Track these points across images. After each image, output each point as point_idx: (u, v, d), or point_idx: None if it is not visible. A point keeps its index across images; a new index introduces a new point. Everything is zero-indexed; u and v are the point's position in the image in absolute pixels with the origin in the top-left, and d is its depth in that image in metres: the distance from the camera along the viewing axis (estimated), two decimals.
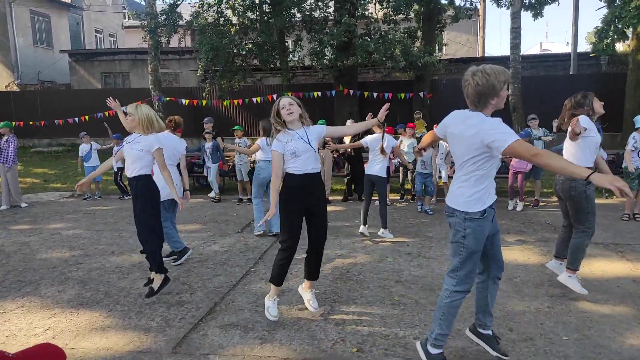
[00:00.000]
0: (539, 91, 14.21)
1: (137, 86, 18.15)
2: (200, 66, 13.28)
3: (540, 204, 8.36)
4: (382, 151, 6.08)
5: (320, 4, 13.45)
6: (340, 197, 9.22)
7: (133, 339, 3.58)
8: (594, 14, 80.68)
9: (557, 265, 4.43)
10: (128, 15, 26.39)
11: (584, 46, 39.30)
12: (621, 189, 2.24)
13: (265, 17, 13.19)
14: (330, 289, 4.44)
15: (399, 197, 9.07)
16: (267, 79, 16.90)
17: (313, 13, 13.44)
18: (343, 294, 4.34)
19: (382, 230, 6.12)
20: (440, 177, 8.60)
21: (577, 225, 4.15)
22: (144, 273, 4.93)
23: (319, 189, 3.82)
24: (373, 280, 4.69)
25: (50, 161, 14.75)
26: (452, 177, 7.14)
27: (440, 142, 8.56)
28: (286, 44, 14.41)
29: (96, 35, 26.07)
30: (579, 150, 4.09)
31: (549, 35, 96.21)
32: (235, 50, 13.74)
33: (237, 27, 13.67)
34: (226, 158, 10.29)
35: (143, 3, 14.38)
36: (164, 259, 5.02)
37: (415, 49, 12.69)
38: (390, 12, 13.05)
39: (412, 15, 13.97)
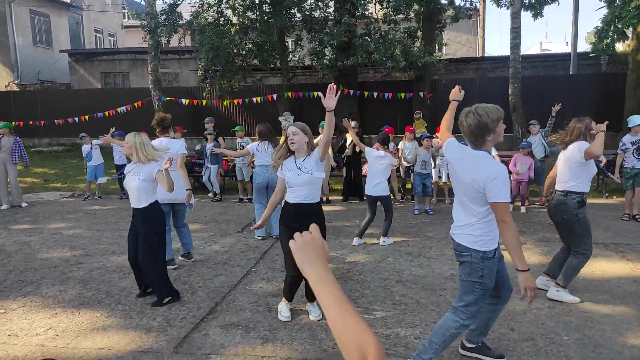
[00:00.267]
0: (539, 91, 14.20)
1: (137, 86, 18.12)
2: (200, 66, 13.25)
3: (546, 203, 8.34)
4: (396, 167, 6.03)
5: (320, 4, 13.43)
6: (341, 197, 9.23)
7: (134, 338, 3.58)
8: (593, 14, 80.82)
9: (544, 282, 4.36)
10: (128, 15, 26.37)
11: (584, 46, 39.31)
12: (524, 294, 2.59)
13: (265, 17, 13.17)
14: None
15: (399, 198, 9.06)
16: (267, 79, 16.89)
17: (313, 13, 13.42)
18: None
19: (382, 239, 6.03)
20: (440, 177, 8.61)
21: (575, 247, 4.12)
22: None
23: (315, 219, 3.61)
24: (374, 280, 4.70)
25: (50, 161, 14.75)
26: None
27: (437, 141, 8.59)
28: (286, 43, 14.40)
29: (96, 35, 26.04)
30: (584, 173, 4.06)
31: (548, 35, 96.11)
32: (235, 50, 13.72)
33: (237, 27, 13.65)
34: (225, 158, 10.28)
35: (143, 3, 14.38)
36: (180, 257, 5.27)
37: (415, 48, 12.68)
38: (390, 12, 13.03)
39: (412, 15, 13.95)
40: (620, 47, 14.42)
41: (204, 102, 14.60)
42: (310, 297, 3.88)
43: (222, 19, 13.50)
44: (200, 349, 3.41)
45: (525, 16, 14.38)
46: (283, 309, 3.90)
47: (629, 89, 12.25)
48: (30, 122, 15.44)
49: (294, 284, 3.83)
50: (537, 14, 12.98)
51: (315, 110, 14.60)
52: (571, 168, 4.07)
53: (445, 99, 13.24)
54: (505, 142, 11.30)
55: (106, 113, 14.41)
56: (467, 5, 13.69)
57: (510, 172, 7.89)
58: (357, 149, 8.93)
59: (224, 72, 13.59)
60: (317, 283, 1.06)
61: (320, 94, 13.11)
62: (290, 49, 14.97)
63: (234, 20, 13.76)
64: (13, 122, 12.78)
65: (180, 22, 13.42)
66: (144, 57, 16.90)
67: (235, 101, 14.55)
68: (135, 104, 14.51)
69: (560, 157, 4.25)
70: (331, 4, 13.29)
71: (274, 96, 14.20)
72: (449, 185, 8.52)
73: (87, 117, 14.58)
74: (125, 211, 8.23)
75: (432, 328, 3.61)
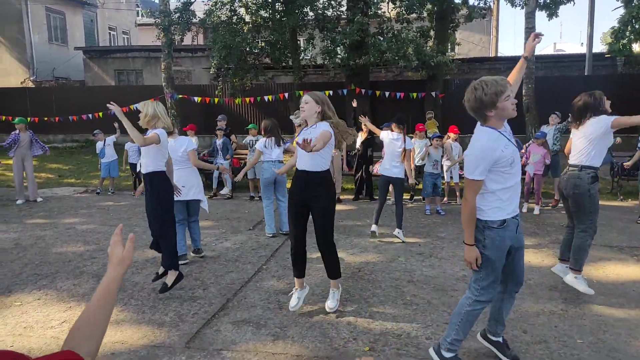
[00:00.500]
0: (554, 92, 14.06)
1: (150, 83, 18.28)
2: (213, 64, 13.33)
3: (559, 205, 8.28)
4: (403, 156, 6.01)
5: (333, 2, 13.43)
6: (352, 197, 9.22)
7: (147, 333, 3.62)
8: (609, 14, 79.67)
9: (563, 269, 4.37)
10: (141, 13, 26.60)
11: (599, 47, 38.79)
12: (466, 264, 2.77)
13: (278, 16, 13.21)
14: (342, 287, 4.44)
15: (408, 198, 9.03)
16: (279, 78, 16.93)
17: (326, 12, 13.43)
18: (355, 293, 4.35)
19: (397, 230, 6.05)
20: (451, 178, 8.57)
21: (578, 224, 4.12)
22: (158, 268, 4.97)
23: (317, 186, 3.70)
24: (385, 280, 4.69)
25: (64, 157, 14.94)
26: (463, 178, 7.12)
27: (453, 143, 8.56)
28: (298, 42, 14.42)
29: (110, 33, 26.31)
30: (600, 148, 4.01)
31: (562, 36, 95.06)
32: (247, 49, 13.78)
33: (250, 25, 13.71)
34: (237, 156, 10.33)
35: (157, 1, 14.49)
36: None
37: (428, 48, 12.62)
38: (403, 11, 12.99)
39: (425, 14, 13.90)
40: (637, 47, 14.21)
41: (216, 100, 14.68)
42: (329, 274, 3.91)
43: (235, 17, 13.57)
44: (212, 344, 3.43)
45: (540, 16, 14.20)
46: (292, 298, 3.94)
47: None
48: (45, 119, 15.65)
49: (294, 255, 3.90)
50: (552, 14, 12.85)
51: None
52: (588, 143, 4.01)
53: (457, 98, 13.19)
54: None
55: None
56: (481, 4, 13.59)
57: (524, 169, 7.81)
58: (369, 152, 8.95)
59: (236, 70, 13.66)
60: (109, 282, 1.33)
61: (331, 92, 13.06)
62: (302, 48, 14.99)
63: (247, 18, 13.82)
64: (28, 118, 12.95)
65: (194, 20, 13.51)
66: (157, 55, 17.04)
67: (247, 99, 14.61)
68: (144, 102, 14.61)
69: (576, 132, 4.18)
70: (344, 2, 13.29)
71: (286, 95, 14.23)
72: (461, 186, 8.48)
73: (100, 113, 14.72)
74: (138, 207, 8.31)
75: (444, 329, 3.61)
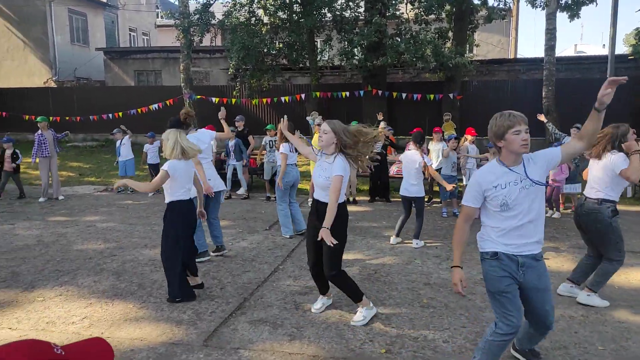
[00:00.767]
0: (574, 94, 13.81)
1: (168, 84, 18.50)
2: (231, 65, 13.44)
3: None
4: (424, 171, 6.03)
5: (351, 3, 13.44)
6: (367, 198, 9.21)
7: (165, 330, 3.67)
8: (632, 15, 77.94)
9: (569, 289, 4.26)
10: (161, 15, 26.95)
11: (622, 48, 38.02)
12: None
13: (296, 17, 13.26)
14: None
15: (426, 200, 8.96)
16: (296, 79, 16.99)
17: (344, 13, 13.44)
18: (371, 295, 4.34)
19: (415, 241, 5.98)
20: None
21: (606, 254, 4.02)
22: None
23: (323, 214, 3.63)
24: (401, 282, 4.68)
25: (85, 156, 15.22)
26: None
27: (471, 145, 8.49)
28: (315, 43, 14.46)
29: (130, 34, 26.70)
30: (618, 182, 3.94)
31: (583, 37, 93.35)
32: (265, 50, 13.87)
33: (268, 26, 13.80)
34: (254, 156, 10.39)
35: (176, 3, 14.68)
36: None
37: (446, 49, 12.54)
38: (422, 13, 12.93)
39: (443, 15, 13.81)
40: None
41: (234, 100, 14.80)
42: (355, 298, 3.81)
43: (254, 18, 13.67)
44: (229, 343, 3.46)
45: (561, 17, 13.99)
46: (317, 300, 4.03)
47: None
48: (67, 118, 15.97)
49: (313, 276, 3.97)
50: (573, 15, 12.65)
51: (343, 111, 14.61)
52: (608, 177, 3.93)
53: (475, 100, 13.19)
54: (537, 145, 11.07)
55: (139, 110, 14.79)
56: (501, 5, 13.45)
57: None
58: (387, 151, 8.93)
59: (253, 71, 13.75)
60: None
61: (348, 94, 13.07)
62: (319, 49, 15.02)
63: (265, 19, 13.91)
64: (50, 118, 13.23)
65: (213, 21, 13.64)
66: (176, 56, 17.25)
67: (264, 100, 14.70)
68: (167, 102, 14.83)
69: (593, 164, 4.10)
70: (362, 4, 13.28)
71: (302, 96, 14.27)
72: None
73: (120, 113, 14.99)
74: (157, 206, 8.43)
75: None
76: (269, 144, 9.12)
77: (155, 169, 9.96)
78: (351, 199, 8.67)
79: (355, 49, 12.83)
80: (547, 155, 2.71)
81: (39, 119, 9.28)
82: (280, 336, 3.56)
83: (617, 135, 3.96)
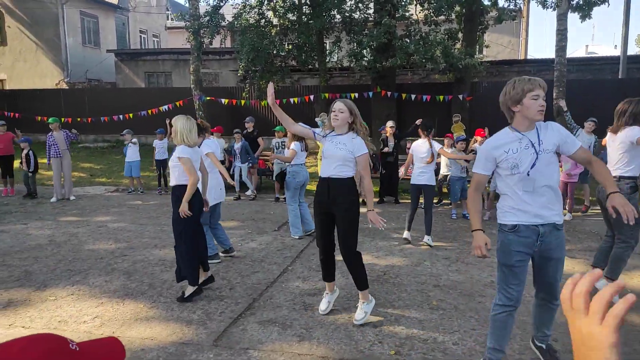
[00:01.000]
0: (586, 95, 13.71)
1: (178, 85, 18.64)
2: (240, 66, 13.51)
3: (589, 211, 8.08)
4: (432, 158, 5.99)
5: (360, 5, 13.44)
6: (376, 199, 9.19)
7: (176, 330, 3.69)
8: None
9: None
10: (171, 17, 27.16)
11: (634, 49, 37.60)
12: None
13: (305, 19, 13.29)
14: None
15: (436, 202, 8.93)
16: (305, 80, 17.02)
17: (353, 14, 13.45)
18: (380, 296, 4.34)
19: (426, 237, 5.97)
20: None
21: (619, 235, 4.04)
22: None
23: (341, 195, 3.67)
24: (411, 284, 4.66)
25: (96, 156, 15.37)
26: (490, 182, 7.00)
27: (478, 146, 8.43)
28: (324, 44, 14.48)
29: (141, 36, 26.94)
30: (635, 157, 3.92)
31: (595, 38, 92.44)
32: (274, 51, 13.92)
33: (278, 28, 13.84)
34: (263, 157, 10.43)
35: (187, 5, 14.78)
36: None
37: (456, 50, 12.49)
38: (432, 14, 12.89)
39: (453, 16, 13.76)
40: None
41: (243, 102, 14.86)
42: (357, 285, 3.82)
43: (263, 20, 13.72)
44: (239, 343, 3.48)
45: (572, 18, 13.88)
46: (322, 301, 3.99)
47: None
48: (78, 119, 16.15)
49: (323, 261, 3.91)
50: (585, 15, 12.53)
51: None
52: (623, 153, 3.94)
53: (485, 101, 13.12)
54: None
55: (149, 111, 14.91)
56: (511, 6, 13.37)
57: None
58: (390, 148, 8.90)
59: (263, 73, 13.80)
60: None
61: (357, 95, 13.04)
62: (328, 50, 15.03)
63: (275, 21, 13.95)
64: (62, 119, 13.38)
65: (223, 23, 13.71)
66: (186, 58, 17.37)
67: None
68: (177, 103, 14.93)
69: (610, 142, 4.09)
70: (371, 5, 13.27)
71: (311, 97, 14.29)
72: (487, 190, 8.35)
73: (131, 115, 15.11)
74: (166, 206, 8.48)
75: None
76: (276, 146, 9.15)
77: (162, 164, 10.03)
78: (361, 199, 8.65)
79: (365, 50, 12.83)
80: (565, 136, 2.68)
81: (50, 120, 9.40)
82: (289, 337, 3.57)
83: (635, 111, 3.93)
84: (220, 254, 5.50)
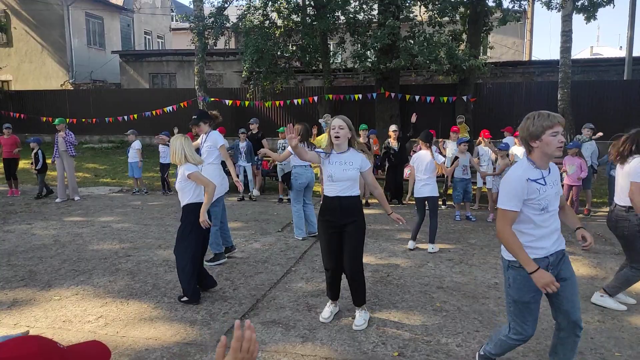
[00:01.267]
0: (590, 97, 13.67)
1: (182, 86, 18.69)
2: (244, 68, 13.52)
3: (591, 214, 8.05)
4: (439, 169, 5.95)
5: (364, 6, 13.44)
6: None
7: (179, 330, 3.71)
8: None
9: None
10: (176, 18, 27.25)
11: (639, 50, 37.40)
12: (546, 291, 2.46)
13: (309, 20, 13.31)
14: (370, 291, 4.43)
15: (440, 203, 8.92)
16: (309, 81, 17.03)
17: (357, 16, 13.45)
18: (384, 298, 4.33)
19: (430, 246, 5.91)
20: (484, 184, 8.42)
21: (631, 262, 4.00)
22: None
23: (354, 213, 3.69)
24: (414, 285, 4.66)
25: (101, 157, 15.43)
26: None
27: (484, 147, 8.43)
28: (328, 46, 14.48)
29: (145, 37, 27.03)
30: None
31: (600, 39, 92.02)
32: (279, 53, 13.93)
33: (282, 29, 13.86)
34: (267, 158, 10.44)
35: (191, 6, 14.82)
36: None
37: (460, 52, 12.46)
38: (436, 15, 12.88)
39: (457, 17, 13.73)
40: None
41: (247, 103, 14.89)
42: (357, 302, 3.82)
43: (268, 21, 13.74)
44: None
45: (577, 19, 13.83)
46: (325, 309, 3.94)
47: None
48: (83, 120, 16.22)
49: (333, 278, 3.84)
50: (590, 16, 12.49)
51: (356, 113, 14.60)
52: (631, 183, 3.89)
53: (489, 103, 13.10)
54: None
55: (153, 112, 14.96)
56: (516, 7, 13.34)
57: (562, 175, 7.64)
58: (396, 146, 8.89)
59: (267, 74, 13.81)
60: None
61: (360, 96, 13.02)
62: (332, 52, 15.04)
63: (279, 22, 13.97)
64: (67, 119, 13.44)
65: (227, 24, 13.74)
66: (190, 59, 17.42)
67: (277, 102, 14.76)
68: (181, 104, 14.98)
69: (619, 171, 4.06)
70: (375, 6, 13.26)
71: (315, 98, 14.30)
72: (483, 190, 8.35)
73: (135, 115, 15.17)
74: (171, 207, 8.51)
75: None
76: (281, 147, 9.16)
77: (164, 168, 10.07)
78: (364, 201, 8.66)
79: (369, 52, 12.82)
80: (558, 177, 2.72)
81: (56, 121, 9.45)
82: (292, 338, 3.57)
83: (637, 139, 3.90)
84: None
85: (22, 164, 10.57)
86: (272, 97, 15.05)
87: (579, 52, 36.96)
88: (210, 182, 4.21)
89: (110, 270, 5.13)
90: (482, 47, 14.58)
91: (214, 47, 14.62)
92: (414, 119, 8.60)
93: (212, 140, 5.24)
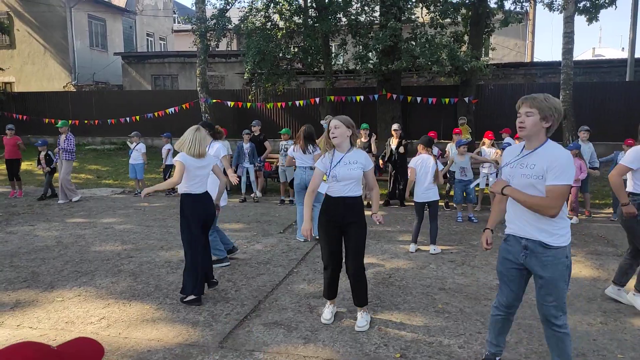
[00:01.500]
0: (592, 98, 13.65)
1: (185, 88, 18.73)
2: (246, 69, 13.54)
3: (592, 215, 8.04)
4: (438, 177, 5.92)
5: (366, 8, 13.44)
6: (381, 202, 9.19)
7: (182, 331, 3.71)
8: None
9: (616, 292, 4.25)
10: (178, 20, 27.31)
11: None
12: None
13: (311, 22, 13.32)
14: (372, 293, 4.44)
15: (443, 204, 8.91)
16: (310, 83, 17.05)
17: (359, 17, 13.45)
18: (386, 299, 4.33)
19: (432, 247, 5.91)
20: (487, 185, 8.41)
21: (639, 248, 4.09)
22: None
23: (357, 213, 3.69)
24: (416, 287, 4.66)
25: (103, 158, 15.47)
26: None
27: (486, 149, 8.42)
28: (330, 47, 14.49)
29: (147, 39, 27.10)
30: (636, 176, 4.01)
31: (602, 40, 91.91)
32: (280, 54, 13.95)
33: (284, 31, 13.88)
34: (269, 159, 10.46)
35: (193, 8, 14.84)
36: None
37: (462, 53, 12.45)
38: (437, 16, 12.88)
39: (459, 19, 13.73)
40: None
41: (249, 104, 14.90)
42: (358, 302, 3.82)
43: (269, 23, 13.76)
44: (244, 345, 3.49)
45: (579, 20, 13.82)
46: (324, 310, 3.93)
47: None
48: (86, 122, 16.26)
49: (332, 277, 3.83)
50: (592, 18, 12.48)
51: (357, 114, 14.61)
52: (633, 170, 3.98)
53: (491, 104, 13.11)
54: None
55: (155, 114, 14.98)
56: (518, 9, 13.33)
57: None
58: (402, 150, 8.88)
59: (269, 76, 13.83)
60: None
61: (362, 98, 13.04)
62: (334, 53, 15.04)
63: (281, 24, 13.98)
64: (70, 121, 13.48)
65: (229, 26, 13.76)
66: (192, 61, 17.46)
67: (279, 104, 14.78)
68: (183, 106, 15.00)
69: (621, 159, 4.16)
70: (377, 8, 13.27)
71: (317, 100, 14.31)
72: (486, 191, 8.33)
73: (137, 117, 15.20)
74: (173, 209, 8.52)
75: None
76: (283, 148, 9.17)
77: (168, 169, 10.11)
78: (365, 202, 8.64)
79: (370, 53, 12.82)
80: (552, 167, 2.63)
81: (59, 123, 9.48)
82: (294, 339, 3.57)
83: None
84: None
85: (25, 165, 10.60)
86: (274, 99, 15.06)
87: (581, 53, 36.93)
88: (177, 178, 4.19)
89: (113, 272, 5.14)
90: (483, 49, 14.58)
91: (216, 49, 14.62)
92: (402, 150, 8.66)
93: (214, 151, 5.26)
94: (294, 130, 15.43)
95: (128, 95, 18.22)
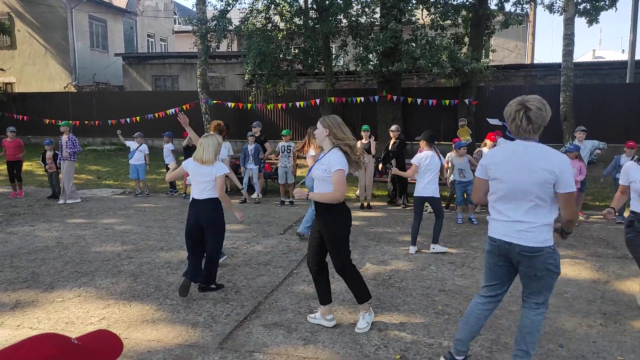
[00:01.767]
0: (593, 100, 13.66)
1: (185, 89, 18.75)
2: (247, 70, 13.56)
3: (591, 217, 8.04)
4: (442, 173, 5.90)
5: (367, 9, 13.47)
6: (383, 203, 9.19)
7: (182, 332, 3.71)
8: None
9: None
10: (179, 21, 27.36)
11: None
12: None
13: (312, 23, 13.35)
14: (372, 294, 4.42)
15: (444, 206, 8.90)
16: (311, 84, 17.07)
17: (359, 19, 13.48)
18: (386, 300, 4.33)
19: (433, 246, 5.89)
20: None
21: None
22: None
23: (325, 213, 3.60)
24: (416, 288, 4.66)
25: (103, 159, 15.48)
26: None
27: (487, 150, 8.41)
28: (331, 49, 14.52)
29: (148, 40, 27.13)
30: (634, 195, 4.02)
31: (602, 42, 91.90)
32: (281, 55, 13.97)
33: (284, 32, 13.90)
34: (269, 160, 10.47)
35: (194, 9, 14.87)
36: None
37: (462, 55, 12.47)
38: (438, 18, 12.90)
39: (459, 21, 13.76)
40: None
41: (249, 105, 14.92)
42: (356, 298, 3.78)
43: (270, 24, 13.78)
44: (244, 346, 3.49)
45: (579, 22, 13.84)
46: (325, 315, 3.85)
47: None
48: (86, 122, 16.26)
49: (315, 279, 3.80)
50: (592, 20, 12.51)
51: (357, 116, 14.63)
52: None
53: (491, 106, 13.11)
54: None
55: (156, 115, 15.00)
56: (518, 11, 13.35)
57: None
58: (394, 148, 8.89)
59: (269, 77, 13.85)
60: None
61: (362, 99, 13.02)
62: (334, 55, 15.07)
63: (281, 26, 14.01)
64: (70, 121, 13.50)
65: (230, 27, 13.78)
66: (193, 62, 17.49)
67: (279, 105, 14.79)
68: (184, 107, 15.01)
69: None
70: (377, 10, 13.30)
71: (317, 101, 14.32)
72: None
73: (138, 118, 15.21)
74: (173, 209, 8.53)
75: (476, 340, 3.55)
76: (282, 149, 9.17)
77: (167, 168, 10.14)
78: (365, 204, 8.66)
79: (371, 55, 12.84)
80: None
81: (62, 123, 9.49)
82: (294, 340, 3.57)
83: None
84: None
85: (26, 165, 10.60)
86: (275, 100, 15.08)
87: (581, 55, 36.95)
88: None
89: (113, 272, 5.14)
90: (484, 50, 14.59)
91: (217, 50, 14.65)
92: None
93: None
94: (294, 131, 15.45)
95: (128, 96, 18.24)
